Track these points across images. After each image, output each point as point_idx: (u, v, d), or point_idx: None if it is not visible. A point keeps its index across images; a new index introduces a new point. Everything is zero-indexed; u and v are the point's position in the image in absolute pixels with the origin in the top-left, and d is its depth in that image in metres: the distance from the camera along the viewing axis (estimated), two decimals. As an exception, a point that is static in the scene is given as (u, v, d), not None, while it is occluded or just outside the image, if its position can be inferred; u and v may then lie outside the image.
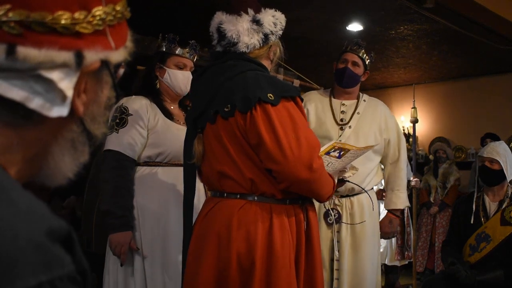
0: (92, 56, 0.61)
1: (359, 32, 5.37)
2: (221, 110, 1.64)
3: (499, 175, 2.99)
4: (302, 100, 1.68)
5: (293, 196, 1.66)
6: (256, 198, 1.63)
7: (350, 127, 2.65)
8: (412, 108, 4.45)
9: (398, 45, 5.70)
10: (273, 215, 1.61)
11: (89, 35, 0.61)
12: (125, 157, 2.24)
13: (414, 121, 4.46)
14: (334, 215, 2.52)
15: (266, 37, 1.70)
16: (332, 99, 2.76)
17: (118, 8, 0.65)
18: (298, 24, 4.85)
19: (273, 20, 1.71)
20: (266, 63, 1.76)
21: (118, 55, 0.65)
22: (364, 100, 2.77)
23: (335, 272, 2.50)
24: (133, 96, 2.38)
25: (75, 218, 3.39)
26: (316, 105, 2.70)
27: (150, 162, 2.30)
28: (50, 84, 0.59)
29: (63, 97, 0.60)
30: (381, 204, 4.97)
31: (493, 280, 2.80)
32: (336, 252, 2.51)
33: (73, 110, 0.62)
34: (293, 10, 4.59)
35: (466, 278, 2.80)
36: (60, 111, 0.60)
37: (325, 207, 2.52)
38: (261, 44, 1.70)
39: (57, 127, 0.63)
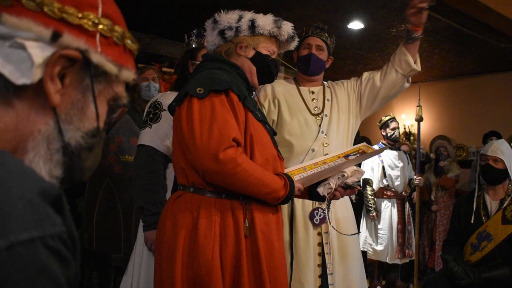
0: (71, 41, 0.64)
1: (361, 30, 5.37)
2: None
3: (503, 174, 2.98)
4: (237, 93, 1.71)
5: (229, 191, 1.68)
6: (192, 189, 1.71)
7: (326, 115, 2.52)
8: (418, 106, 4.39)
9: (399, 43, 5.69)
10: (201, 207, 1.66)
11: (74, 26, 0.65)
12: (157, 152, 2.25)
13: (419, 120, 4.40)
14: (320, 215, 2.40)
15: (222, 32, 1.83)
16: (300, 87, 2.59)
17: (117, 28, 0.69)
18: (299, 23, 4.84)
19: (235, 17, 1.83)
20: (238, 60, 1.85)
21: (102, 59, 0.67)
22: (328, 87, 2.63)
23: (329, 277, 2.37)
24: (168, 92, 2.42)
25: (76, 216, 3.40)
26: (286, 96, 2.53)
27: None
28: (24, 55, 0.62)
29: (32, 66, 0.62)
30: (381, 203, 4.98)
31: (500, 277, 2.79)
32: (328, 256, 2.39)
33: (46, 97, 0.64)
34: (294, 8, 4.58)
35: (462, 274, 2.80)
36: (25, 80, 0.62)
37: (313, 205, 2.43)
38: (220, 41, 1.85)
39: (33, 113, 0.64)
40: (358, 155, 1.98)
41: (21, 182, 0.54)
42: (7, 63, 0.62)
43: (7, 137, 0.63)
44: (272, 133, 1.89)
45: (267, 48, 1.88)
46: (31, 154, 0.64)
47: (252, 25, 1.83)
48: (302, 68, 2.58)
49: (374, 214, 4.86)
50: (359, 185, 4.18)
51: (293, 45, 1.96)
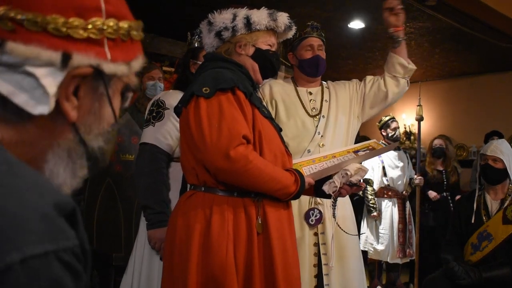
0: (81, 60, 0.63)
1: (361, 30, 5.36)
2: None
3: (502, 173, 2.97)
4: (243, 90, 1.71)
5: (241, 189, 1.67)
6: (203, 189, 1.70)
7: (323, 116, 2.51)
8: (418, 105, 4.41)
9: (400, 42, 5.69)
10: (214, 205, 1.65)
11: (82, 41, 0.63)
12: (160, 151, 2.25)
13: (420, 119, 4.42)
14: (315, 216, 2.38)
15: (218, 34, 1.82)
16: (298, 88, 2.57)
17: (123, 25, 0.67)
18: (300, 22, 4.83)
19: (229, 16, 1.81)
20: (239, 59, 1.84)
21: (114, 68, 0.66)
22: (327, 87, 2.61)
23: (324, 278, 2.35)
24: (171, 91, 2.42)
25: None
26: (283, 97, 2.52)
27: None
28: (36, 82, 0.60)
29: (48, 95, 0.61)
30: (382, 202, 4.98)
31: (501, 277, 2.79)
32: (324, 256, 2.38)
33: (64, 114, 0.63)
34: (295, 7, 4.57)
35: (463, 273, 2.80)
36: (42, 109, 0.61)
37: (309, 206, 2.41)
38: (218, 42, 1.84)
39: (51, 131, 0.64)
40: (368, 151, 1.98)
41: (37, 195, 0.54)
42: (20, 92, 0.60)
43: (23, 150, 0.62)
44: (279, 129, 1.88)
45: (266, 42, 1.87)
46: (51, 164, 0.64)
47: (248, 23, 1.81)
48: (309, 71, 2.55)
49: (376, 213, 4.85)
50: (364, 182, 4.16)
51: (291, 33, 1.96)
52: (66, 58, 0.62)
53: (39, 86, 0.61)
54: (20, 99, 0.60)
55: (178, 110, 1.81)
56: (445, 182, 5.27)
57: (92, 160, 0.68)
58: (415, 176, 4.62)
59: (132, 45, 0.70)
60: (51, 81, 0.61)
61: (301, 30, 2.56)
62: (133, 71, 0.70)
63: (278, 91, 2.54)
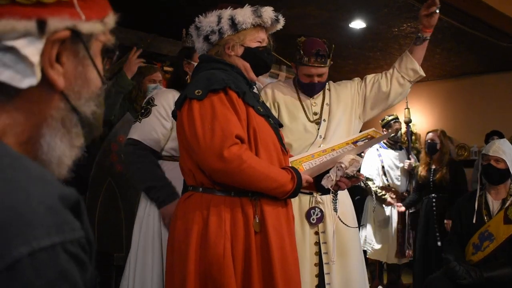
0: (57, 24, 0.62)
1: (362, 30, 5.36)
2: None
3: (505, 174, 2.97)
4: (236, 90, 1.71)
5: (238, 188, 1.68)
6: (201, 189, 1.71)
7: (324, 120, 2.51)
8: (406, 108, 4.42)
9: (401, 42, 5.68)
10: (211, 206, 1.67)
11: (53, 5, 0.62)
12: (144, 146, 2.28)
13: (408, 122, 4.44)
14: (316, 214, 2.39)
15: (206, 38, 1.83)
16: (299, 91, 2.57)
17: None
18: (301, 21, 4.83)
19: (214, 19, 1.82)
20: (230, 60, 1.84)
21: (90, 26, 0.66)
22: (328, 89, 2.60)
23: (326, 277, 2.36)
24: (163, 89, 2.45)
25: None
26: (285, 100, 2.52)
27: (175, 157, 2.31)
28: (18, 56, 0.60)
29: (32, 66, 0.61)
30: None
31: (502, 277, 2.79)
32: (326, 255, 2.38)
33: (51, 83, 0.63)
34: (296, 7, 4.57)
35: (464, 273, 2.80)
36: (30, 81, 0.60)
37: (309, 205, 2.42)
38: (207, 46, 1.86)
39: (41, 104, 0.64)
40: (367, 140, 1.98)
41: (41, 188, 0.54)
42: (3, 69, 0.60)
43: (18, 130, 0.62)
44: (277, 125, 1.88)
45: (255, 39, 1.86)
46: (47, 137, 0.64)
47: (233, 23, 1.81)
48: (305, 91, 2.55)
49: (390, 199, 4.81)
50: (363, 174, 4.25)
51: (280, 25, 1.92)
52: (42, 25, 0.60)
53: (22, 59, 0.60)
54: (5, 76, 0.60)
55: (174, 114, 1.83)
56: (431, 183, 4.64)
57: (86, 126, 0.68)
58: (406, 161, 4.76)
59: (101, 0, 0.69)
60: (32, 50, 0.60)
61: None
62: (107, 28, 0.70)
63: (280, 94, 2.54)
